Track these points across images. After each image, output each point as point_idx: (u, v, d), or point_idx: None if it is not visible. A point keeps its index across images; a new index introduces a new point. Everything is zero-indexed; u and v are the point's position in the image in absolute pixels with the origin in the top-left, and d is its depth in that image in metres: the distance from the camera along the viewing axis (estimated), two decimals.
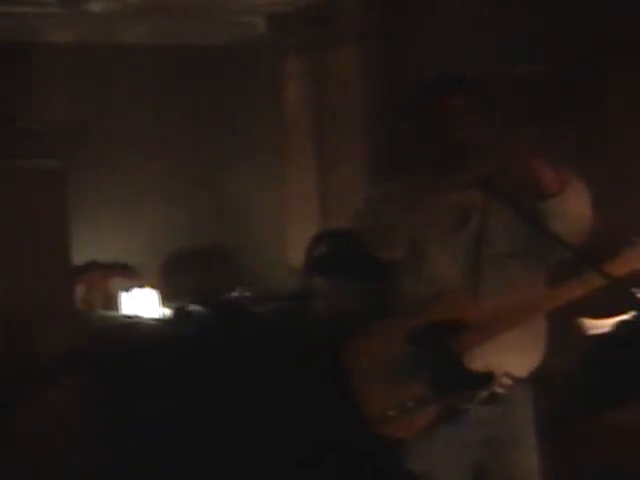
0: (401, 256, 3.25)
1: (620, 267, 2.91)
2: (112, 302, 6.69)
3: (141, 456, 5.05)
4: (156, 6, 5.96)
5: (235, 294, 6.55)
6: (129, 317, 6.33)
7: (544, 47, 5.09)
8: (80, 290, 6.47)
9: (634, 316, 2.45)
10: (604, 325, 2.54)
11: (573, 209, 3.02)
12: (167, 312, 6.29)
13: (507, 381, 3.15)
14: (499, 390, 3.16)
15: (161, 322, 6.17)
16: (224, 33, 7.13)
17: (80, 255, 6.65)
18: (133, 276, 6.79)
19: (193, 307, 6.21)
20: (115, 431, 5.22)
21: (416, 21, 6.08)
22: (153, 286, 6.53)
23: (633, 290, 2.48)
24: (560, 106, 4.89)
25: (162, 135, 7.40)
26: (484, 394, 3.15)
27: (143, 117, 7.30)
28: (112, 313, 6.60)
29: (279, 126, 6.90)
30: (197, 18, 6.52)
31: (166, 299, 6.44)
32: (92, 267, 6.70)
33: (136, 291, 6.48)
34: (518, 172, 3.00)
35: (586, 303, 3.24)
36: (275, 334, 5.89)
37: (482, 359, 3.09)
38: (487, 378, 3.11)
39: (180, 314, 6.16)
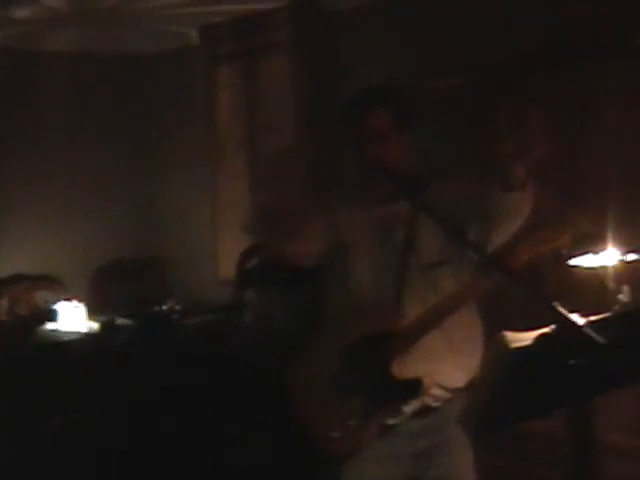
0: (325, 269, 3.25)
1: (524, 252, 2.96)
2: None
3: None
4: (84, 14, 5.89)
5: (165, 306, 6.49)
6: (55, 330, 6.23)
7: (465, 61, 5.15)
8: (5, 303, 6.38)
9: (553, 330, 2.44)
10: (525, 338, 2.52)
11: (526, 208, 3.05)
12: (94, 325, 6.19)
13: (438, 392, 3.15)
14: (431, 402, 3.16)
15: (88, 335, 6.07)
16: (155, 43, 7.10)
17: (5, 267, 6.59)
18: (60, 289, 6.70)
19: (121, 320, 6.13)
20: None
21: (342, 34, 6.14)
22: (80, 299, 6.43)
23: (554, 303, 2.46)
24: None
25: (89, 145, 7.33)
26: (416, 406, 3.15)
27: (70, 126, 7.23)
28: (38, 327, 6.48)
29: (211, 137, 6.87)
30: (127, 27, 6.47)
31: (94, 312, 6.35)
32: (17, 279, 6.60)
33: (63, 304, 6.37)
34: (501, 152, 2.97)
35: (508, 316, 3.25)
36: (204, 347, 5.86)
37: (412, 368, 3.09)
38: (415, 387, 3.09)
39: (107, 327, 6.08)
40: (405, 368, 3.09)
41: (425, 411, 3.17)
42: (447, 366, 3.16)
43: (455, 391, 3.19)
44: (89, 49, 7.12)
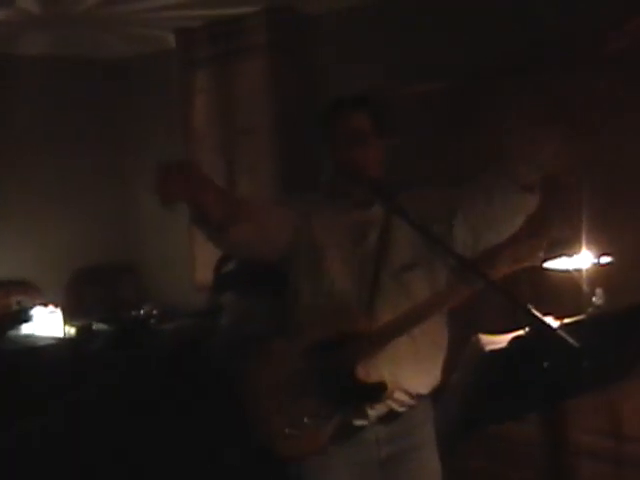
0: (293, 268, 3.25)
1: (501, 266, 2.97)
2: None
3: None
4: (59, 17, 5.87)
5: (141, 311, 6.48)
6: (30, 335, 6.21)
7: (445, 65, 5.17)
8: None
9: (527, 332, 2.45)
10: (500, 341, 2.54)
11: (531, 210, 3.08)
12: (71, 330, 6.17)
13: (403, 397, 3.15)
14: (396, 407, 3.17)
15: (64, 340, 6.05)
16: (130, 46, 7.08)
17: None
18: (35, 293, 6.68)
19: (97, 325, 6.12)
20: None
21: (319, 38, 6.16)
22: (57, 304, 6.41)
23: (528, 306, 2.48)
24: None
25: (65, 150, 7.30)
26: (382, 411, 3.16)
27: (44, 132, 7.20)
28: (13, 332, 6.46)
29: (187, 140, 6.86)
30: (102, 30, 6.46)
31: (70, 317, 6.33)
32: None
33: (39, 309, 6.35)
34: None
35: (483, 319, 3.27)
36: (180, 351, 5.85)
37: (377, 372, 3.10)
38: (380, 389, 3.10)
39: (84, 332, 6.07)
40: (370, 371, 3.10)
41: (390, 416, 3.18)
42: (411, 372, 3.17)
43: (419, 397, 3.21)
44: (64, 52, 7.09)
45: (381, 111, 3.28)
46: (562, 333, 2.38)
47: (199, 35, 6.62)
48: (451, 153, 5.00)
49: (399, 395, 3.15)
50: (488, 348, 2.51)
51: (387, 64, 5.69)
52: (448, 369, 3.18)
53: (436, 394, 3.23)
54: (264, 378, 3.21)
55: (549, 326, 2.42)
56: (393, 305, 3.12)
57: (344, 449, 3.16)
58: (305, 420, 3.10)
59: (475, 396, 2.48)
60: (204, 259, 6.54)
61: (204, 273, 6.49)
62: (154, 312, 6.47)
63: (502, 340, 2.53)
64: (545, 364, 2.46)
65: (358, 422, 3.16)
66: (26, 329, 6.29)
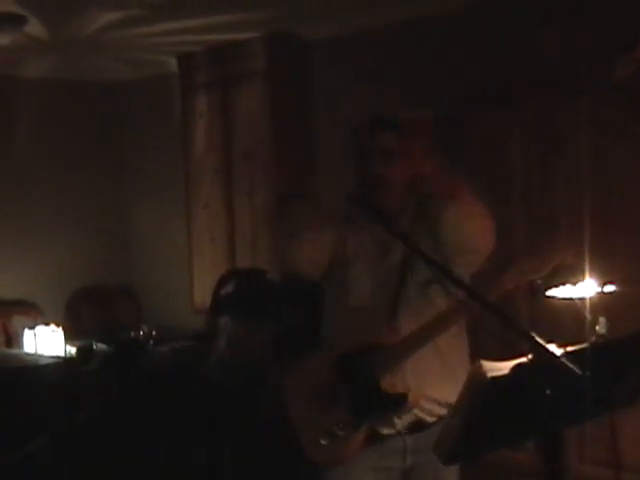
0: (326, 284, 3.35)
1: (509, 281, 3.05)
2: (15, 340, 6.58)
3: None
4: (63, 42, 5.90)
5: (139, 332, 6.48)
6: (32, 355, 6.22)
7: (443, 93, 5.21)
8: None
9: (530, 359, 2.47)
10: (502, 368, 2.55)
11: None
12: (71, 350, 6.18)
13: (432, 406, 3.22)
14: (425, 417, 3.24)
15: (64, 360, 6.06)
16: (132, 70, 7.12)
17: None
18: (36, 313, 6.70)
19: (97, 345, 6.12)
20: None
21: (317, 63, 6.20)
22: (57, 324, 6.42)
23: (531, 333, 2.50)
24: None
25: (66, 170, 7.34)
26: (409, 420, 3.22)
27: (46, 154, 7.23)
28: (15, 351, 6.49)
29: (186, 164, 6.89)
30: (105, 55, 6.50)
31: (69, 337, 6.34)
32: None
33: (40, 329, 6.37)
34: None
35: (486, 345, 3.30)
36: (176, 373, 5.86)
37: (402, 382, 3.19)
38: (400, 400, 3.17)
39: (84, 352, 6.06)
40: (396, 381, 3.18)
41: (420, 426, 3.25)
42: (438, 380, 3.24)
43: (449, 405, 3.24)
44: (66, 75, 7.14)
45: (405, 133, 3.37)
46: (565, 361, 2.39)
47: (200, 60, 6.67)
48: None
49: (426, 404, 3.23)
50: (490, 374, 2.51)
51: (385, 90, 5.73)
52: None
53: None
54: (299, 390, 3.31)
55: (552, 354, 2.43)
56: (417, 317, 3.20)
57: (370, 455, 3.25)
58: (337, 431, 3.19)
59: (475, 422, 2.49)
60: (202, 281, 6.57)
61: (202, 295, 6.53)
62: (153, 333, 6.47)
63: (504, 367, 2.54)
64: (547, 392, 2.47)
65: (386, 431, 3.24)
66: (28, 349, 6.33)
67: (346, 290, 3.32)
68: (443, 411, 3.22)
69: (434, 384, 3.23)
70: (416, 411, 3.23)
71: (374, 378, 3.18)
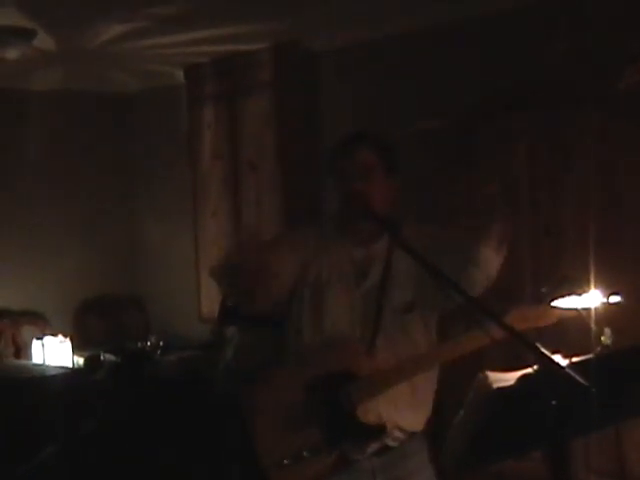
0: (298, 309, 3.31)
1: (518, 322, 2.98)
2: (23, 350, 6.60)
3: None
4: (71, 54, 5.93)
5: (147, 342, 6.51)
6: (40, 365, 6.25)
7: (450, 103, 5.22)
8: None
9: (535, 370, 2.48)
10: (508, 379, 2.57)
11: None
12: (80, 360, 6.21)
13: (397, 434, 3.22)
14: (390, 443, 3.24)
15: (72, 371, 6.09)
16: (140, 81, 7.15)
17: None
18: (44, 324, 6.72)
19: (105, 355, 6.15)
20: None
21: (324, 74, 6.21)
22: (65, 334, 6.45)
23: (537, 344, 2.51)
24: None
25: (73, 181, 7.36)
26: (376, 446, 3.22)
27: (54, 164, 7.26)
28: (23, 362, 6.51)
29: (194, 175, 6.90)
30: (113, 65, 6.52)
31: (77, 347, 6.37)
32: (2, 315, 6.62)
33: (48, 339, 6.39)
34: None
35: (491, 356, 3.31)
36: (183, 382, 5.87)
37: (375, 412, 3.18)
38: (379, 431, 3.19)
39: (92, 362, 6.10)
40: (368, 410, 3.17)
41: (384, 450, 3.25)
42: (408, 411, 3.25)
43: (412, 434, 3.28)
44: (73, 87, 7.16)
45: (389, 149, 3.35)
46: (571, 371, 2.40)
47: (207, 71, 6.68)
48: (450, 189, 5.05)
49: (394, 432, 3.23)
50: (496, 385, 2.53)
51: (392, 100, 5.74)
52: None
53: (429, 429, 3.30)
54: (266, 407, 3.24)
55: (558, 364, 2.44)
56: (393, 344, 3.21)
57: (342, 476, 3.22)
58: (304, 454, 3.15)
59: (481, 433, 2.50)
60: (209, 291, 6.58)
61: (209, 305, 6.54)
62: (160, 343, 6.50)
63: (509, 378, 2.55)
64: (553, 402, 2.48)
65: (354, 457, 3.22)
66: (37, 359, 6.36)
67: (319, 314, 3.27)
68: (406, 438, 3.25)
69: (404, 414, 3.23)
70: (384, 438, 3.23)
71: (352, 405, 3.15)
